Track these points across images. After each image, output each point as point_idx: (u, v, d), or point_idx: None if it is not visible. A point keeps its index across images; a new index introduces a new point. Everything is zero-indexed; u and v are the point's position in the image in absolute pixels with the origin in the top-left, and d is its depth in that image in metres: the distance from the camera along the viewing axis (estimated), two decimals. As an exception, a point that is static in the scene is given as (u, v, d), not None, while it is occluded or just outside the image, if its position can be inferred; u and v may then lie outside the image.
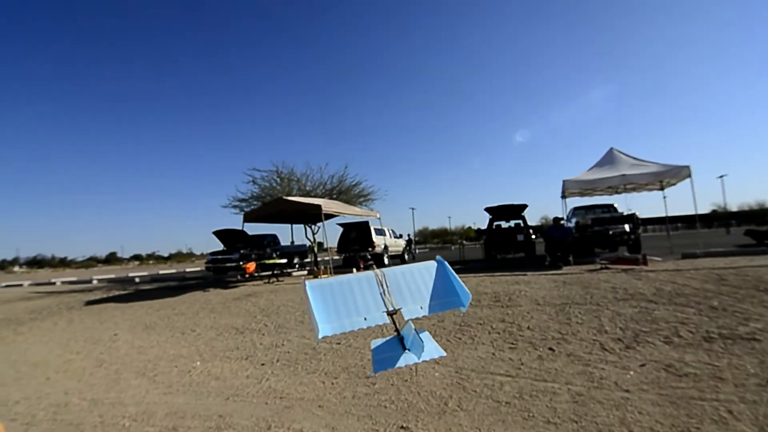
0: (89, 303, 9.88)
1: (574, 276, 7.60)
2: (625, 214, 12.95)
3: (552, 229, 10.23)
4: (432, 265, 2.04)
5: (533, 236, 13.98)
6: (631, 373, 3.54)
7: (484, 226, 16.09)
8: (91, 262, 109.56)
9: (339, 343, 4.94)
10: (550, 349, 4.27)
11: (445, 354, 1.78)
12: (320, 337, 1.53)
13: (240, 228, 12.89)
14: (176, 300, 9.05)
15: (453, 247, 56.73)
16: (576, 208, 14.84)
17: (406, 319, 1.74)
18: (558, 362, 3.89)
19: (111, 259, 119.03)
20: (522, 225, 14.29)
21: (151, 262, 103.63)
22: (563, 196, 11.86)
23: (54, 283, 17.87)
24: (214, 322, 6.80)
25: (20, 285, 18.21)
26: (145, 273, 28.48)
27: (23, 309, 9.96)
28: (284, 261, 11.27)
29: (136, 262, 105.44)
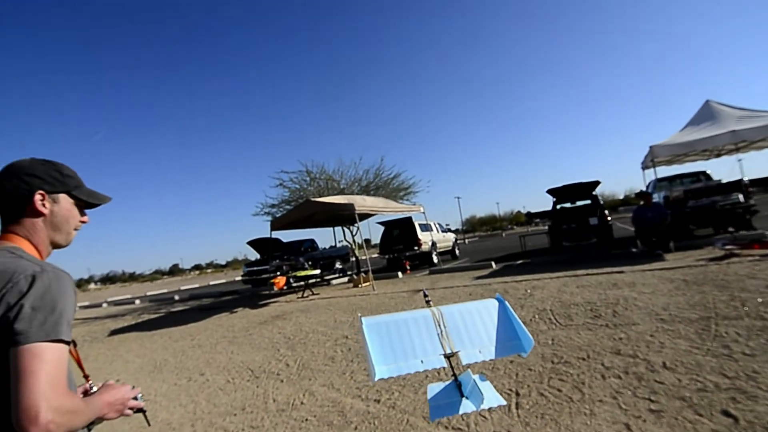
0: (113, 332, 9.08)
1: (694, 270, 5.60)
2: (723, 181, 10.49)
3: (642, 208, 8.11)
4: (492, 303, 1.66)
5: (608, 218, 11.72)
6: None
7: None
8: (156, 275, 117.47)
9: (378, 401, 3.43)
10: (727, 414, 2.51)
11: (505, 403, 1.65)
12: (376, 379, 1.33)
13: (271, 236, 11.73)
14: (199, 326, 7.99)
15: (504, 234, 53.95)
16: (659, 180, 12.43)
17: (464, 363, 1.47)
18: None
19: (174, 270, 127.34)
20: (594, 205, 12.05)
21: (209, 270, 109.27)
22: (648, 167, 9.60)
23: (101, 305, 17.82)
24: (230, 359, 5.53)
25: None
26: (195, 285, 28.74)
27: (52, 342, 9.36)
28: (317, 272, 9.95)
29: (196, 272, 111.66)
